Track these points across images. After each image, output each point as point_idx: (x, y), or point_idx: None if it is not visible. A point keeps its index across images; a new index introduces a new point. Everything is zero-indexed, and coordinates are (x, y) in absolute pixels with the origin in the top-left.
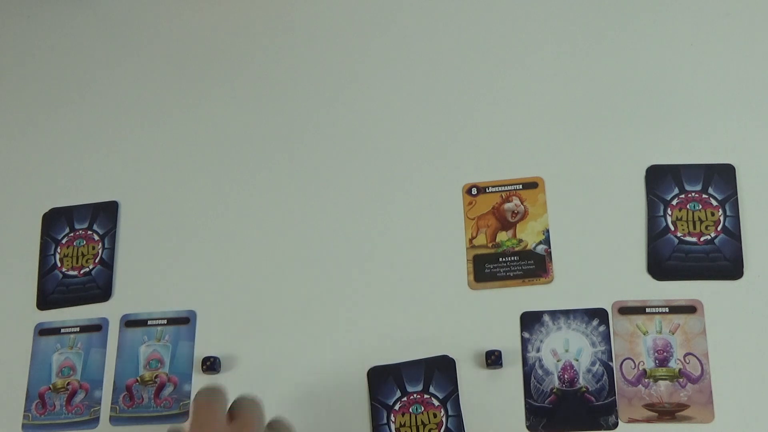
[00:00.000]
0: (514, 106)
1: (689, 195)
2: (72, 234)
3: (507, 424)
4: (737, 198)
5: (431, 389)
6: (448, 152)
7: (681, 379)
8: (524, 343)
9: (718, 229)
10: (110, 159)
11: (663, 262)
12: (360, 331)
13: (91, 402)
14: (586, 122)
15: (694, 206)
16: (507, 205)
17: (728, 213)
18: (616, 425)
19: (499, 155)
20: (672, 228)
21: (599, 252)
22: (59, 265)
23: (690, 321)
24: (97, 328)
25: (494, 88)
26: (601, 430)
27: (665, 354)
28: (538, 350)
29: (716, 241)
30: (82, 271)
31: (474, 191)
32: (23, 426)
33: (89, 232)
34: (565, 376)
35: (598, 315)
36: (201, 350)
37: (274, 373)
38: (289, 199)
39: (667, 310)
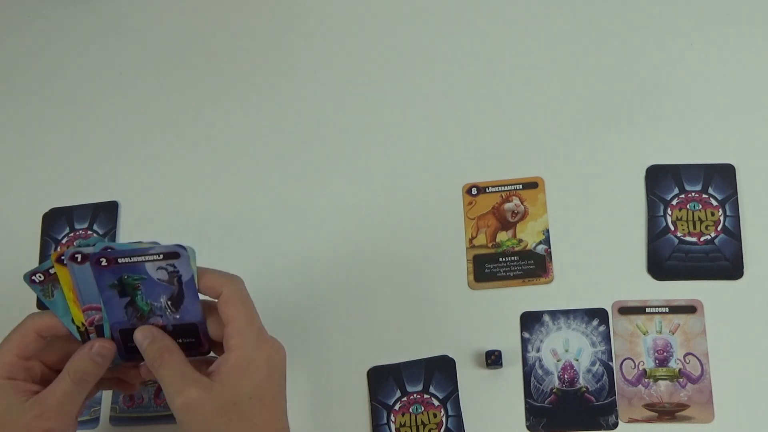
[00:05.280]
0: (514, 106)
1: (689, 195)
2: (72, 234)
3: (507, 424)
4: (737, 198)
5: (431, 389)
6: (448, 152)
7: (681, 379)
8: (524, 343)
9: (718, 229)
10: (110, 159)
11: (663, 262)
12: (360, 331)
13: (91, 402)
14: (585, 122)
15: (694, 206)
16: (507, 205)
17: (728, 213)
18: (616, 425)
19: (499, 155)
20: (672, 228)
21: (599, 252)
22: None
23: (690, 321)
24: None
25: (494, 88)
26: (601, 430)
27: (665, 354)
28: (538, 350)
29: (716, 241)
30: None
31: (474, 191)
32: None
33: (89, 232)
34: (565, 376)
35: (598, 315)
36: None
37: None
38: (291, 199)
39: (667, 310)
